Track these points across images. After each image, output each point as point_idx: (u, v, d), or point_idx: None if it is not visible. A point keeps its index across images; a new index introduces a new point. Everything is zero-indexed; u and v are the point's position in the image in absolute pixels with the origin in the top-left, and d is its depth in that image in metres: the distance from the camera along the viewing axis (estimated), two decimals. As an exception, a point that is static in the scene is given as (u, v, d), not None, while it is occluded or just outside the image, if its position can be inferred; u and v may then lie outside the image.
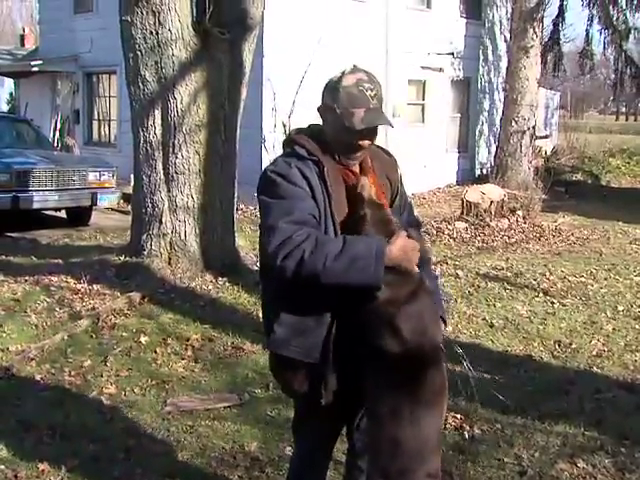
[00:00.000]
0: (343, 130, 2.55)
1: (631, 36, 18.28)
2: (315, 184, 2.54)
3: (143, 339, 5.92)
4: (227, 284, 7.51)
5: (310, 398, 2.66)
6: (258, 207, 2.63)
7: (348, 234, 2.52)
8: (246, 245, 8.94)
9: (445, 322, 2.78)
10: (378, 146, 2.85)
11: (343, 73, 2.59)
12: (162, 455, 4.08)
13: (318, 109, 2.65)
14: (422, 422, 2.51)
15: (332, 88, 2.59)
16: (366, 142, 2.59)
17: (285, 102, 12.41)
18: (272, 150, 12.47)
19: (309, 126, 2.76)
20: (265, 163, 12.44)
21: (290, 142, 2.66)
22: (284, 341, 2.62)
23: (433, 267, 2.97)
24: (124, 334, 6.04)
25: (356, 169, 2.70)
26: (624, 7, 17.50)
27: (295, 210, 2.47)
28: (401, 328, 2.46)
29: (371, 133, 2.59)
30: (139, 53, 7.43)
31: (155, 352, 5.68)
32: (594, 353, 5.93)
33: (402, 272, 2.49)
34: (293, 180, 2.52)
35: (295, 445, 3.02)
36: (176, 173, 7.61)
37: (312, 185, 2.54)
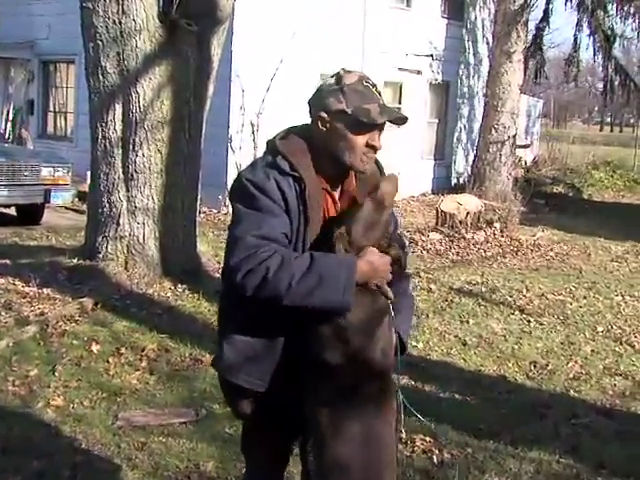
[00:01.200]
0: (357, 130, 2.47)
1: (617, 44, 18.50)
2: (292, 203, 2.48)
3: (95, 348, 5.87)
4: (187, 291, 7.48)
5: (257, 421, 2.67)
6: (231, 212, 2.58)
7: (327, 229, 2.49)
8: (208, 251, 8.90)
9: (405, 346, 2.71)
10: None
11: (339, 75, 2.53)
12: (111, 473, 4.04)
13: (314, 120, 2.55)
14: (369, 439, 2.47)
15: (333, 90, 2.50)
16: (378, 140, 2.52)
17: (254, 100, 12.41)
18: (238, 151, 12.47)
19: (300, 127, 2.65)
20: (231, 164, 12.43)
21: (273, 149, 2.58)
22: (232, 367, 2.60)
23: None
24: (74, 342, 5.98)
25: (335, 190, 2.62)
26: (613, 13, 17.70)
27: (265, 225, 2.43)
28: (350, 340, 2.45)
29: (381, 131, 2.53)
30: (100, 43, 7.38)
31: (107, 362, 5.63)
32: (571, 375, 5.97)
33: (370, 290, 2.46)
34: (270, 194, 2.46)
35: (246, 465, 3.01)
36: (136, 172, 7.57)
37: (289, 203, 2.48)
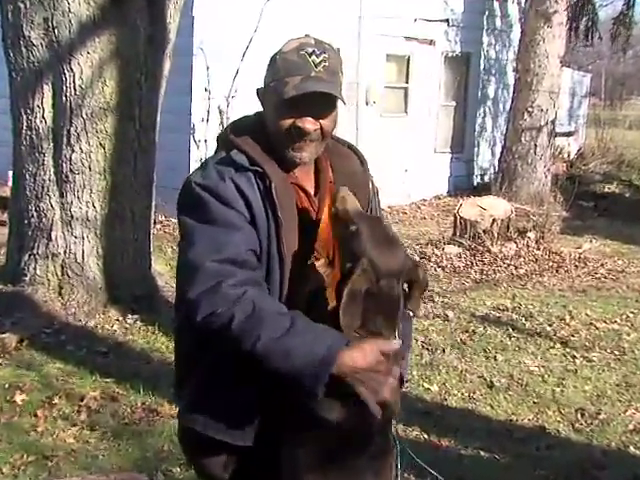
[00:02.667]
0: (277, 108, 2.53)
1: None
2: (257, 206, 2.50)
3: (19, 398, 5.84)
4: (138, 323, 7.49)
5: None
6: (178, 228, 2.60)
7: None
8: (165, 271, 8.89)
9: (403, 381, 2.71)
10: (340, 140, 2.82)
11: (287, 41, 2.60)
12: None
13: (257, 93, 2.65)
14: None
15: (271, 60, 2.59)
16: (308, 122, 2.52)
17: (223, 80, 12.40)
18: (204, 144, 12.46)
19: (252, 116, 2.73)
20: (194, 161, 12.41)
21: (226, 142, 2.62)
22: (201, 416, 2.63)
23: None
24: (-6, 390, 5.97)
25: (308, 183, 2.66)
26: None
27: (228, 244, 2.43)
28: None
29: (317, 112, 2.54)
30: (22, 5, 7.37)
31: (35, 416, 5.60)
32: (630, 427, 5.97)
33: (356, 400, 2.38)
34: (226, 199, 2.47)
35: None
36: (72, 172, 7.56)
37: (252, 207, 2.49)
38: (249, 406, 2.58)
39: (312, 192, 2.67)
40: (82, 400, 5.84)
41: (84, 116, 7.50)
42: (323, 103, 2.53)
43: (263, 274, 2.51)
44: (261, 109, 2.70)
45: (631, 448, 5.62)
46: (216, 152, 2.66)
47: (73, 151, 7.54)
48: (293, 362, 2.30)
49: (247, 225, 2.48)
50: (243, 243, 2.46)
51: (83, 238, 7.65)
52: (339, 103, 2.58)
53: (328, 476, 2.46)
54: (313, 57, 2.52)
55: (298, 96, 2.47)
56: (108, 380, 6.21)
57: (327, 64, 2.53)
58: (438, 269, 10.65)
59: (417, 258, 10.96)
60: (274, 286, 2.54)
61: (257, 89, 2.64)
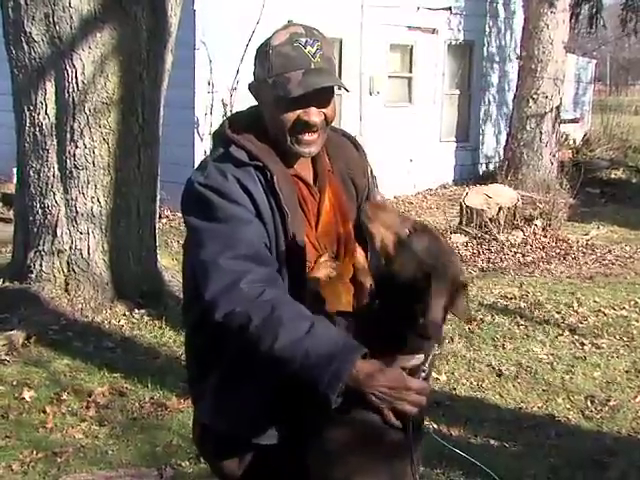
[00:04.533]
0: (279, 105, 2.51)
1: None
2: (261, 200, 2.49)
3: (27, 395, 5.84)
4: (146, 318, 7.49)
5: None
6: (186, 231, 2.59)
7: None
8: (172, 265, 8.88)
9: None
10: (340, 131, 2.82)
11: (273, 33, 2.56)
12: None
13: (249, 88, 2.62)
14: None
15: (262, 54, 2.55)
16: (313, 114, 2.52)
17: (226, 73, 12.39)
18: (208, 137, 12.44)
19: (247, 110, 2.72)
20: (198, 154, 12.41)
21: (223, 139, 2.60)
22: (222, 412, 2.63)
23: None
24: (1, 388, 5.97)
25: (306, 173, 2.66)
26: None
27: (240, 240, 2.42)
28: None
29: (320, 102, 2.53)
30: (22, 1, 7.37)
31: (44, 412, 5.61)
32: (640, 413, 5.98)
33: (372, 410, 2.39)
34: (231, 196, 2.47)
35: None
36: (76, 168, 7.56)
37: (257, 201, 2.49)
38: (272, 404, 2.57)
39: (311, 182, 2.66)
40: (90, 396, 5.85)
41: (87, 112, 7.50)
42: (326, 93, 2.53)
43: (282, 285, 2.49)
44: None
45: (641, 434, 5.62)
46: (213, 149, 2.64)
47: (77, 147, 7.54)
48: (309, 366, 2.30)
49: (256, 220, 2.48)
50: (256, 238, 2.45)
51: (88, 234, 7.65)
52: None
53: (357, 471, 2.47)
54: (308, 48, 2.49)
55: (307, 92, 2.46)
56: (116, 375, 6.22)
57: (322, 52, 2.51)
58: (445, 258, 10.61)
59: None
60: (284, 280, 2.53)
61: (250, 84, 2.62)
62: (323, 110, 2.53)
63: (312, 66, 2.48)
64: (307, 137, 2.53)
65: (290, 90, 2.45)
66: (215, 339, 2.56)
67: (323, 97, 2.52)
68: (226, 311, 2.36)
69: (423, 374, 2.45)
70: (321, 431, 2.49)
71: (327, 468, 2.49)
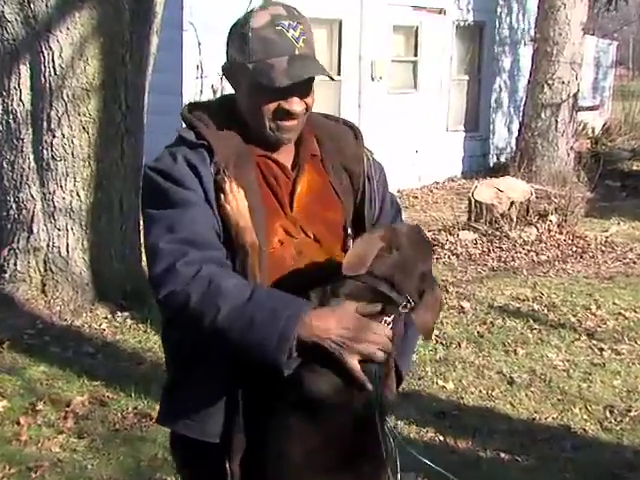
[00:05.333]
0: (259, 93, 2.53)
1: None
2: (208, 182, 2.54)
3: (0, 404, 5.84)
4: (129, 321, 7.51)
5: None
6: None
7: None
8: (157, 264, 8.88)
9: (401, 378, 2.76)
10: (332, 117, 2.85)
11: (251, 11, 2.57)
12: None
13: (223, 70, 2.65)
14: None
15: (238, 35, 2.56)
16: (295, 104, 2.55)
17: (215, 57, 12.32)
18: (196, 126, 12.44)
19: (220, 97, 2.80)
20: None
21: (183, 122, 2.68)
22: (176, 411, 2.68)
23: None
24: (-29, 398, 5.98)
25: (284, 156, 2.69)
26: None
27: (180, 223, 2.48)
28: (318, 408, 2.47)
29: (302, 91, 2.56)
30: (-5, -22, 7.38)
31: (18, 424, 5.60)
32: (663, 424, 5.98)
33: (332, 363, 2.39)
34: (178, 179, 2.52)
35: None
36: (53, 159, 7.56)
37: (205, 184, 2.54)
38: (225, 398, 2.60)
39: (289, 165, 2.68)
40: (68, 405, 5.84)
41: (65, 98, 7.49)
42: (308, 82, 2.56)
43: (223, 259, 2.53)
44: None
45: (664, 447, 5.63)
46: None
47: (54, 136, 7.53)
48: (255, 332, 2.34)
49: (202, 202, 2.53)
50: (198, 221, 2.50)
51: (67, 230, 7.65)
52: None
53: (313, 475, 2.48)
54: (291, 32, 2.51)
55: (295, 82, 2.49)
56: (96, 383, 6.21)
57: (305, 36, 2.53)
58: (452, 257, 10.65)
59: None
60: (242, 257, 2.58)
61: (223, 67, 2.64)
62: (305, 99, 2.57)
63: (296, 52, 2.50)
64: (287, 124, 2.58)
65: (274, 79, 2.47)
66: (181, 329, 2.63)
67: (306, 86, 2.55)
68: (166, 292, 2.42)
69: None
70: (278, 424, 2.51)
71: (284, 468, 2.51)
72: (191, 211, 2.49)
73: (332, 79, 2.63)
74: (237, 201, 2.53)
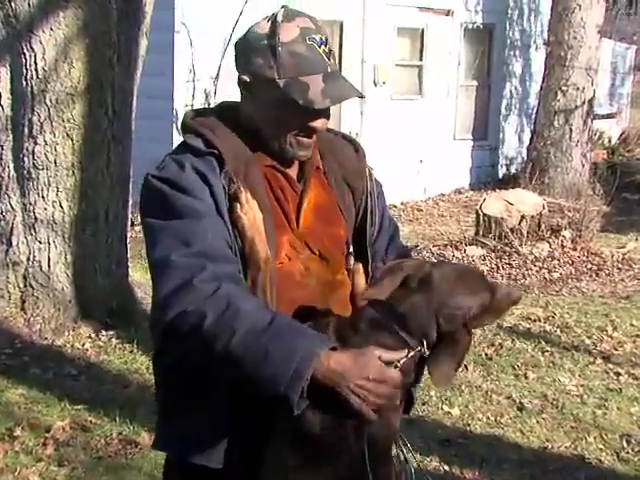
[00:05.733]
0: (289, 110, 2.55)
1: None
2: (219, 192, 2.54)
3: (-25, 430, 5.84)
4: (114, 340, 7.49)
5: None
6: (143, 231, 2.63)
7: None
8: (146, 280, 8.84)
9: (412, 403, 2.79)
10: (333, 130, 2.87)
11: (275, 21, 2.57)
12: None
13: (239, 81, 2.64)
14: None
15: (264, 48, 2.56)
16: (323, 122, 2.61)
17: (209, 59, 12.40)
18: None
19: (221, 103, 2.80)
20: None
21: (184, 128, 2.68)
22: (177, 437, 2.67)
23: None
24: (-56, 422, 5.97)
25: (290, 169, 2.71)
26: None
27: (194, 235, 2.46)
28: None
29: (329, 111, 2.61)
30: (-28, -25, 7.39)
31: (-5, 450, 5.60)
32: (684, 454, 5.96)
33: (342, 407, 2.37)
34: (187, 188, 2.52)
35: None
36: (35, 168, 7.55)
37: (215, 193, 2.53)
38: (226, 425, 2.60)
39: (294, 177, 2.71)
40: (48, 431, 5.82)
41: (48, 103, 7.48)
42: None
43: (241, 279, 2.53)
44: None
45: (685, 479, 5.61)
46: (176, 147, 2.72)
47: (36, 143, 7.52)
48: (269, 365, 2.32)
49: (214, 213, 2.52)
50: (211, 233, 2.49)
51: (49, 243, 7.63)
52: None
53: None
54: (322, 47, 2.55)
55: (335, 103, 2.56)
56: (79, 407, 6.19)
57: (333, 51, 2.60)
58: (459, 274, 10.61)
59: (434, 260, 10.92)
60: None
61: (243, 80, 2.63)
62: (328, 116, 2.63)
63: (328, 69, 2.56)
64: (308, 141, 2.63)
65: (312, 100, 2.52)
66: (180, 358, 2.60)
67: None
68: (176, 312, 2.40)
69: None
70: (276, 452, 2.51)
71: None
72: (203, 222, 2.49)
73: (362, 97, 2.67)
74: (254, 213, 2.54)
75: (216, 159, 2.56)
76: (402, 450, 2.67)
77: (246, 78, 2.60)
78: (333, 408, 2.36)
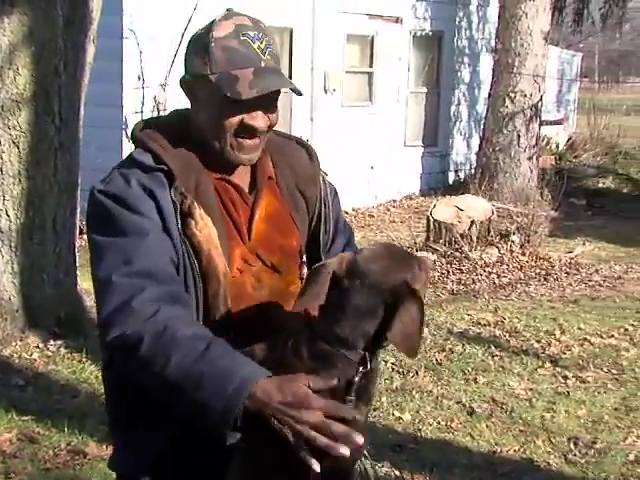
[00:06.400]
0: (222, 106, 2.50)
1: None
2: (168, 210, 2.48)
3: None
4: (62, 350, 7.44)
5: None
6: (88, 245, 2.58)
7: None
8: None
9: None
10: (282, 133, 2.83)
11: (212, 21, 2.54)
12: None
13: (181, 83, 2.61)
14: None
15: (200, 46, 2.53)
16: (260, 118, 2.53)
17: (158, 66, 12.35)
18: (137, 140, 12.39)
19: (172, 112, 2.74)
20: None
21: (134, 141, 2.63)
22: (126, 452, 2.66)
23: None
24: None
25: (240, 179, 2.66)
26: None
27: (136, 254, 2.42)
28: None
29: (267, 106, 2.54)
30: None
31: (-63, 463, 5.55)
32: (631, 457, 5.95)
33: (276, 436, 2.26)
34: (132, 205, 2.46)
35: None
36: (-19, 176, 7.48)
37: (163, 210, 2.48)
38: (179, 438, 2.54)
39: (246, 188, 2.66)
40: (-5, 442, 5.79)
41: (-6, 110, 7.44)
42: (274, 96, 2.55)
43: (183, 288, 2.49)
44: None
45: (632, 481, 5.64)
46: (123, 160, 2.67)
47: (-18, 151, 7.47)
48: (202, 393, 2.24)
49: (159, 230, 2.47)
50: (155, 251, 2.44)
51: (-5, 253, 7.58)
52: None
53: None
54: (257, 43, 2.50)
55: (262, 93, 2.47)
56: (26, 418, 6.14)
57: (271, 49, 2.53)
58: (410, 280, 10.62)
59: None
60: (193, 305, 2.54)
61: (182, 79, 2.61)
62: (269, 115, 2.55)
63: (262, 64, 2.49)
64: (249, 142, 2.55)
65: (239, 91, 2.45)
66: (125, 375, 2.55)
67: (271, 101, 2.55)
68: (116, 334, 2.35)
69: (349, 404, 2.34)
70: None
71: None
72: (147, 240, 2.44)
73: (299, 94, 2.59)
74: (208, 229, 2.49)
75: (165, 175, 2.51)
76: (361, 462, 2.65)
77: (186, 77, 2.58)
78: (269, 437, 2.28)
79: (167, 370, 2.28)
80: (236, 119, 2.50)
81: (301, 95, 2.60)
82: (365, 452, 2.61)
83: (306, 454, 2.20)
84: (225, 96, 2.46)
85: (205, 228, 2.49)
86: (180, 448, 2.54)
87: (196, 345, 2.30)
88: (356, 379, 2.35)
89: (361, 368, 2.36)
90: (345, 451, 2.15)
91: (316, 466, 2.19)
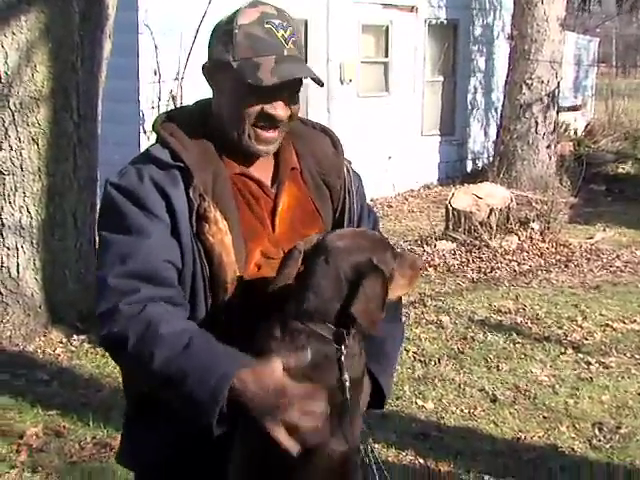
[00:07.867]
0: (243, 93, 2.48)
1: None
2: (181, 209, 2.47)
3: (-55, 439, 5.82)
4: (86, 345, 7.46)
5: None
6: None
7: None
8: (115, 284, 8.85)
9: (384, 399, 2.69)
10: (307, 121, 2.81)
11: (238, 9, 2.53)
12: None
13: (203, 70, 2.59)
14: None
15: (224, 32, 2.51)
16: (280, 108, 2.51)
17: (174, 61, 12.35)
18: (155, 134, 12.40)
19: (196, 102, 2.71)
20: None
21: (157, 135, 2.61)
22: (133, 448, 2.70)
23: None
24: None
25: (262, 172, 2.64)
26: None
27: (134, 255, 2.41)
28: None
29: (289, 96, 2.52)
30: None
31: (-34, 459, 5.56)
32: (656, 441, 5.98)
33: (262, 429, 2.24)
34: (142, 202, 2.45)
35: None
36: (1, 173, 7.51)
37: (175, 209, 2.47)
38: (181, 439, 2.54)
39: (268, 181, 2.63)
40: (21, 438, 5.79)
41: (12, 107, 7.44)
42: (296, 86, 2.53)
43: (183, 293, 2.48)
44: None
45: (657, 465, 5.64)
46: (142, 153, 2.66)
47: (1, 149, 7.49)
48: (187, 387, 2.25)
49: (164, 232, 2.46)
50: (155, 253, 2.43)
51: (17, 249, 7.60)
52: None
53: None
54: (281, 31, 2.49)
55: (283, 81, 2.44)
56: (52, 413, 6.16)
57: (295, 38, 2.52)
58: (430, 268, 10.64)
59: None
60: (201, 309, 2.52)
61: (204, 66, 2.59)
62: (291, 105, 2.54)
63: (285, 53, 2.48)
64: (267, 134, 2.53)
65: (261, 78, 2.42)
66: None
67: (293, 91, 2.53)
68: (106, 332, 2.38)
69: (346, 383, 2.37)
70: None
71: None
72: (150, 241, 2.43)
73: (321, 83, 2.56)
74: (222, 235, 2.47)
75: (181, 172, 2.49)
76: (368, 456, 2.66)
77: (207, 65, 2.56)
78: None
79: (153, 366, 2.29)
80: (256, 107, 2.48)
81: (322, 85, 2.57)
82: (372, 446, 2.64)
83: (285, 439, 2.17)
84: (246, 83, 2.44)
85: (219, 233, 2.47)
86: (184, 444, 2.55)
87: (178, 340, 2.30)
88: (343, 358, 2.37)
89: (343, 347, 2.39)
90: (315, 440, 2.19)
91: (294, 449, 2.18)
